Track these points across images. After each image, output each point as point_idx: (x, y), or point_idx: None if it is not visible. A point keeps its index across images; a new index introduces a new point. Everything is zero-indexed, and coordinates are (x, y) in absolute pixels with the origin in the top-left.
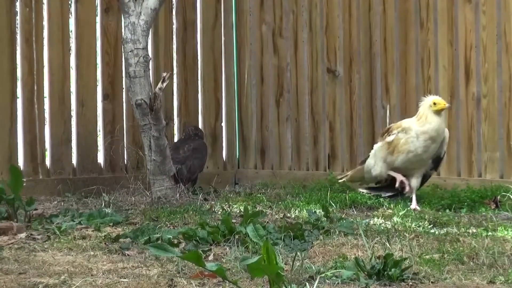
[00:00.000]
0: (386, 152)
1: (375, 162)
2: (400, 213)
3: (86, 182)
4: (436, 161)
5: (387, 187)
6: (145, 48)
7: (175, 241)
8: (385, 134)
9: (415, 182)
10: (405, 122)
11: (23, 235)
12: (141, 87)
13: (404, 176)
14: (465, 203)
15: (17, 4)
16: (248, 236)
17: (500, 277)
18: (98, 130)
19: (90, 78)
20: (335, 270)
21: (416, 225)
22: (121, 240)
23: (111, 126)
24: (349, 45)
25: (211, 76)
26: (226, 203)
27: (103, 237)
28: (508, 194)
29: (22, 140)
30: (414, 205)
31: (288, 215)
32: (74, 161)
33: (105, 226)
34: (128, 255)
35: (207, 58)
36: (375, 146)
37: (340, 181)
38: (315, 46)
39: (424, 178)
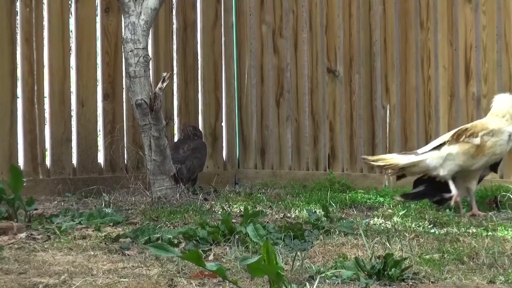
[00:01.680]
0: (469, 156)
1: (443, 165)
2: (400, 213)
3: (86, 182)
4: (496, 162)
5: (429, 193)
6: (145, 48)
7: (175, 241)
8: (463, 136)
9: (475, 185)
10: (492, 124)
11: (23, 235)
12: (141, 87)
13: (461, 178)
14: (465, 203)
15: (17, 4)
16: (248, 236)
17: (500, 277)
18: (98, 130)
19: (90, 78)
20: (335, 270)
21: (416, 225)
22: (121, 240)
23: (111, 126)
24: (349, 45)
25: (211, 76)
26: (226, 203)
27: (103, 237)
28: (508, 194)
29: (22, 140)
30: (475, 210)
31: (288, 215)
32: (74, 161)
33: (105, 226)
34: (128, 255)
35: (207, 58)
36: (449, 148)
37: (374, 163)
38: (315, 46)
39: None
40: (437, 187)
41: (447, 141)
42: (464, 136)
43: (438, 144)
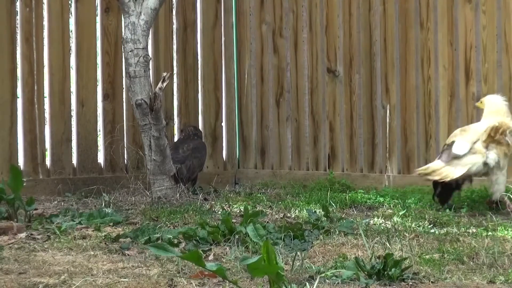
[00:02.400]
0: (506, 157)
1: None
2: (400, 213)
3: (86, 182)
4: None
5: (450, 193)
6: (145, 48)
7: (175, 241)
8: (497, 134)
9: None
10: (510, 123)
11: (23, 235)
12: (141, 87)
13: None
14: (465, 203)
15: (17, 4)
16: (248, 236)
17: (500, 277)
18: (98, 130)
19: (90, 78)
20: (335, 270)
21: (416, 225)
22: (121, 240)
23: (111, 126)
24: (349, 45)
25: (211, 76)
26: (226, 203)
27: (103, 237)
28: (508, 194)
29: (22, 140)
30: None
31: (288, 215)
32: (74, 161)
33: (105, 226)
34: (128, 255)
35: (207, 58)
36: (491, 155)
37: (429, 177)
38: (315, 46)
39: None
40: (449, 187)
41: (483, 140)
42: (498, 134)
43: (471, 145)
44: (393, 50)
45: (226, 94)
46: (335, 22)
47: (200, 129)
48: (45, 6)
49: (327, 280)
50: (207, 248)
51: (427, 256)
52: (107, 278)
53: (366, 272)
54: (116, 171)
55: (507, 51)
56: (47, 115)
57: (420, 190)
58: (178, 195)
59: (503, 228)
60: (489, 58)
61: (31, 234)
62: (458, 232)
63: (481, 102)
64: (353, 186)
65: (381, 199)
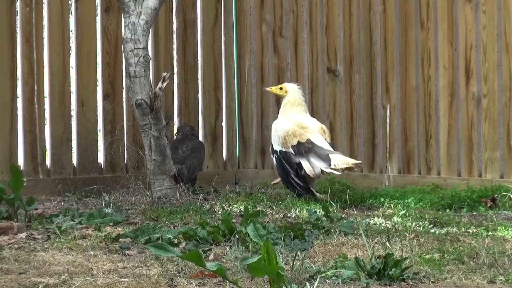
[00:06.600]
0: None
1: None
2: (400, 213)
3: (86, 181)
4: None
5: None
6: (145, 48)
7: (175, 241)
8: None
9: None
10: None
11: (23, 234)
12: (141, 87)
13: None
14: (466, 203)
15: (17, 4)
16: (248, 235)
17: (500, 276)
18: (98, 130)
19: (90, 78)
20: (335, 270)
21: (416, 224)
22: (121, 240)
23: (111, 125)
24: (349, 44)
25: (211, 76)
26: (226, 203)
27: (103, 237)
28: (508, 194)
29: (22, 140)
30: None
31: (288, 214)
32: (74, 160)
33: (105, 226)
34: (128, 255)
35: (207, 58)
36: None
37: None
38: (315, 46)
39: None
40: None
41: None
42: None
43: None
44: (393, 50)
45: (226, 94)
46: (335, 22)
47: (195, 129)
48: (45, 6)
49: (327, 280)
50: (207, 248)
51: (427, 256)
52: (107, 278)
53: (366, 272)
54: (116, 171)
55: (507, 51)
56: (47, 115)
57: (420, 190)
58: (178, 195)
59: (503, 228)
60: (489, 58)
61: (31, 234)
62: (458, 232)
63: (281, 89)
64: (353, 186)
65: (381, 199)
